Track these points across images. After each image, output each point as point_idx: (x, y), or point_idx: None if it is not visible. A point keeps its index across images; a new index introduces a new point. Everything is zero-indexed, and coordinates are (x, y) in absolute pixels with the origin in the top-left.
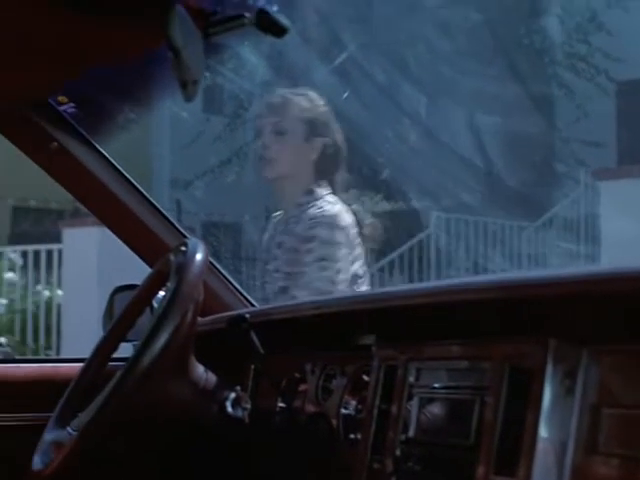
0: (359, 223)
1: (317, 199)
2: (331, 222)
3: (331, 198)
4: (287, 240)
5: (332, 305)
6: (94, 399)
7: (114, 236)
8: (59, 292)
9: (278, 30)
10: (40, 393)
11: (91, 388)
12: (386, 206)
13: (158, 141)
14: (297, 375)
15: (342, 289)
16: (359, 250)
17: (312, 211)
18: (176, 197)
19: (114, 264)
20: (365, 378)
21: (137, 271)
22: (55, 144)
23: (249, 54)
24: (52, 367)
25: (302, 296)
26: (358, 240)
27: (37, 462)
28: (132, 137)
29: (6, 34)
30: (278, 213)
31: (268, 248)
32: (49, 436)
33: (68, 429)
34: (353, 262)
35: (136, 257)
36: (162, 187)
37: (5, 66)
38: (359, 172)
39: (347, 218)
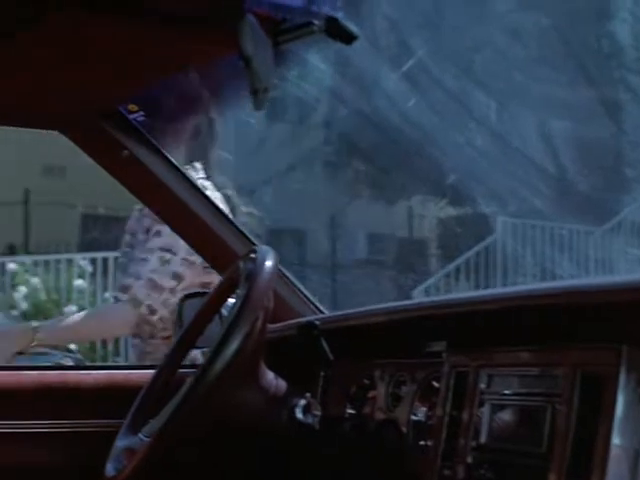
0: (234, 211)
1: None
2: None
3: (205, 183)
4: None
5: (402, 311)
6: (165, 406)
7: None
8: None
9: (347, 37)
10: (111, 400)
11: (162, 395)
12: (451, 211)
13: (222, 148)
14: (366, 382)
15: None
16: None
17: None
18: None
19: None
20: (435, 384)
21: None
22: (126, 152)
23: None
24: (123, 374)
25: (133, 284)
26: None
27: (110, 469)
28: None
29: (76, 44)
30: None
31: (133, 233)
32: (121, 442)
33: (140, 435)
34: None
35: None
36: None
37: (76, 75)
38: (425, 177)
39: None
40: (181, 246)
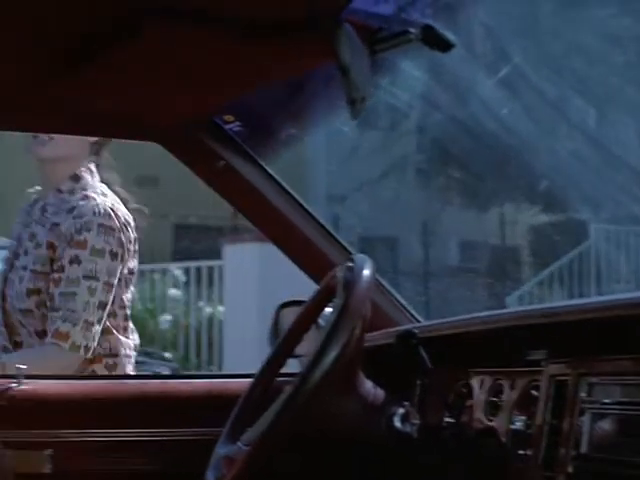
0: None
1: (85, 188)
2: (102, 223)
3: (104, 188)
4: (41, 233)
5: (501, 320)
6: (263, 414)
7: (273, 252)
8: (220, 308)
9: (444, 45)
10: (209, 408)
11: (260, 403)
12: (544, 218)
13: (314, 156)
14: (464, 390)
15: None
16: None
17: (78, 204)
18: (333, 212)
19: (274, 280)
20: (534, 393)
21: (296, 287)
22: (223, 162)
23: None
24: (220, 382)
25: (70, 331)
26: (133, 245)
27: (210, 476)
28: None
29: (172, 56)
30: (35, 196)
31: (19, 238)
32: (221, 451)
33: (239, 444)
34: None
35: (295, 273)
36: (319, 202)
37: (173, 87)
38: (518, 184)
39: (121, 215)
40: (101, 268)
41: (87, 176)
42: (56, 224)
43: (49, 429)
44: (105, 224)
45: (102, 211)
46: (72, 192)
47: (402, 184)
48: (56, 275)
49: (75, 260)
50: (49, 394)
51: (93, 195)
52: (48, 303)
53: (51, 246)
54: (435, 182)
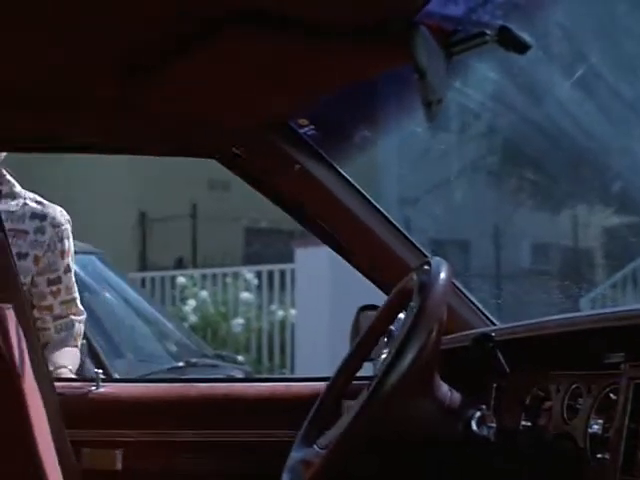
0: None
1: (22, 194)
2: (69, 228)
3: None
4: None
5: (579, 323)
6: (340, 417)
7: None
8: (292, 311)
9: (520, 46)
10: (284, 411)
11: (336, 406)
12: (617, 220)
13: (385, 159)
14: (541, 393)
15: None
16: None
17: (47, 211)
18: (404, 214)
19: (345, 283)
20: (612, 396)
21: (368, 290)
22: (297, 166)
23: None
24: (296, 386)
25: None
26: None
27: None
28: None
29: (249, 59)
30: None
31: None
32: (297, 454)
33: (315, 447)
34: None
35: None
36: (390, 205)
37: (247, 91)
38: (591, 186)
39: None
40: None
41: (14, 182)
42: (25, 232)
43: (121, 429)
44: (69, 229)
45: (67, 216)
46: (13, 196)
47: (474, 186)
48: (54, 288)
49: (68, 269)
50: (123, 396)
51: (42, 200)
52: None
53: (36, 259)
54: (507, 184)
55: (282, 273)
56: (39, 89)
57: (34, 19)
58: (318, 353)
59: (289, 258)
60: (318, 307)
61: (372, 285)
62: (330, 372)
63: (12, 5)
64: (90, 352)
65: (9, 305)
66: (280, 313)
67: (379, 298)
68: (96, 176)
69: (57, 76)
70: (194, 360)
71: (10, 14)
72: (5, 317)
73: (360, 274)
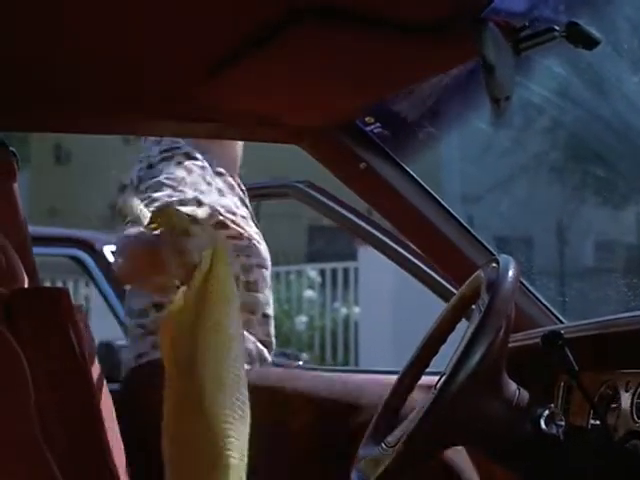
0: None
1: None
2: None
3: None
4: None
5: None
6: (408, 416)
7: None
8: (356, 309)
9: (589, 42)
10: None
11: (404, 404)
12: None
13: (448, 156)
14: (609, 392)
15: None
16: None
17: None
18: (467, 212)
19: (409, 281)
20: None
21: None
22: (363, 164)
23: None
24: (360, 378)
25: None
26: None
27: (355, 477)
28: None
29: (315, 56)
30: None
31: None
32: (364, 452)
33: (383, 445)
34: None
35: None
36: (453, 202)
37: (315, 89)
38: None
39: None
40: None
41: None
42: None
43: None
44: None
45: None
46: None
47: (537, 183)
48: None
49: None
50: None
51: None
52: None
53: None
54: (571, 180)
55: (345, 271)
56: (107, 86)
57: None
58: (381, 351)
59: (352, 256)
60: (381, 305)
61: None
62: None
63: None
64: None
65: (82, 304)
66: (343, 311)
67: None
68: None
69: (126, 72)
70: None
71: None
72: (79, 317)
73: None
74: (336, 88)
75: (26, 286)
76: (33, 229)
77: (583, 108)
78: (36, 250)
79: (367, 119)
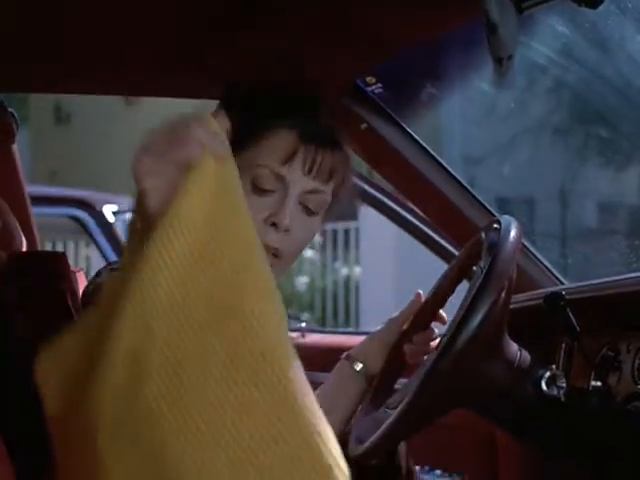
0: None
1: None
2: None
3: None
4: None
5: None
6: (409, 378)
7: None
8: (357, 270)
9: (593, 1)
10: None
11: (404, 367)
12: None
13: (450, 117)
14: (611, 353)
15: None
16: None
17: None
18: (469, 173)
19: (409, 242)
20: None
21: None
22: (365, 125)
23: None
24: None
25: None
26: None
27: (355, 439)
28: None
29: (316, 19)
30: None
31: None
32: (364, 414)
33: (384, 407)
34: None
35: None
36: (455, 163)
37: (315, 49)
38: None
39: None
40: None
41: None
42: None
43: None
44: None
45: None
46: None
47: (539, 144)
48: None
49: None
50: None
51: None
52: None
53: None
54: (572, 142)
55: (346, 231)
56: (108, 45)
57: None
58: (383, 311)
59: (353, 216)
60: (382, 265)
61: None
62: None
63: None
64: None
65: (80, 267)
66: (344, 271)
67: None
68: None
69: (126, 31)
70: None
71: None
72: (77, 280)
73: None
74: (336, 48)
75: (24, 248)
76: (33, 189)
77: (587, 68)
78: (36, 210)
79: (368, 79)
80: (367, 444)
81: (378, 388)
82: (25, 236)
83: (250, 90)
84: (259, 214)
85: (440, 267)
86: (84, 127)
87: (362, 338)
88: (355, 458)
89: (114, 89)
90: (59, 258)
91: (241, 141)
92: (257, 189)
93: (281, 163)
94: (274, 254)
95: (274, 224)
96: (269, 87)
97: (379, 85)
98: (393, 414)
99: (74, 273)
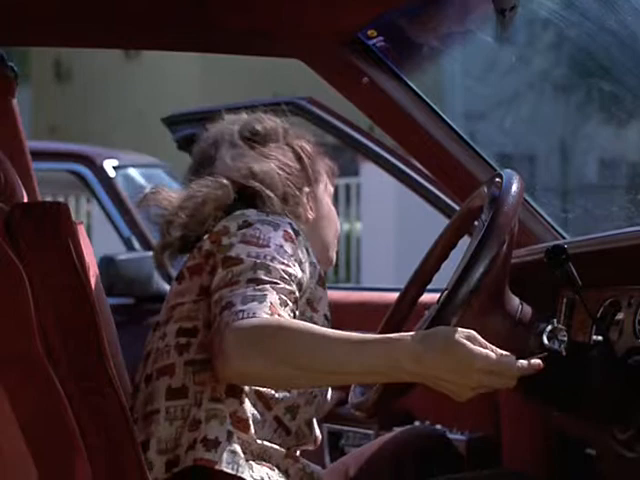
0: None
1: None
2: None
3: None
4: None
5: None
6: (409, 331)
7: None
8: (358, 225)
9: None
10: (354, 323)
11: (405, 319)
12: None
13: (451, 72)
14: (612, 308)
15: None
16: None
17: None
18: (470, 129)
19: (410, 197)
20: None
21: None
22: (366, 79)
23: None
24: (360, 295)
25: None
26: None
27: (356, 390)
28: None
29: None
30: None
31: None
32: None
33: None
34: None
35: None
36: (456, 118)
37: (315, 3)
38: None
39: None
40: None
41: None
42: None
43: None
44: None
45: None
46: None
47: (540, 101)
48: None
49: None
50: None
51: None
52: None
53: None
54: (574, 98)
55: (347, 187)
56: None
57: None
58: (384, 266)
59: (354, 172)
60: (384, 221)
61: None
62: (396, 285)
63: None
64: None
65: (81, 221)
66: (346, 227)
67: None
68: (167, 91)
69: None
70: None
71: None
72: (78, 231)
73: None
74: (337, 1)
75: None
76: (33, 144)
77: (590, 20)
78: (36, 166)
79: (370, 32)
80: (369, 396)
81: None
82: (26, 190)
83: None
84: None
85: (441, 223)
86: (84, 82)
87: (362, 294)
88: (357, 411)
89: (113, 42)
90: (61, 208)
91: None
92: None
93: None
94: None
95: None
96: None
97: (380, 38)
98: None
99: (76, 224)
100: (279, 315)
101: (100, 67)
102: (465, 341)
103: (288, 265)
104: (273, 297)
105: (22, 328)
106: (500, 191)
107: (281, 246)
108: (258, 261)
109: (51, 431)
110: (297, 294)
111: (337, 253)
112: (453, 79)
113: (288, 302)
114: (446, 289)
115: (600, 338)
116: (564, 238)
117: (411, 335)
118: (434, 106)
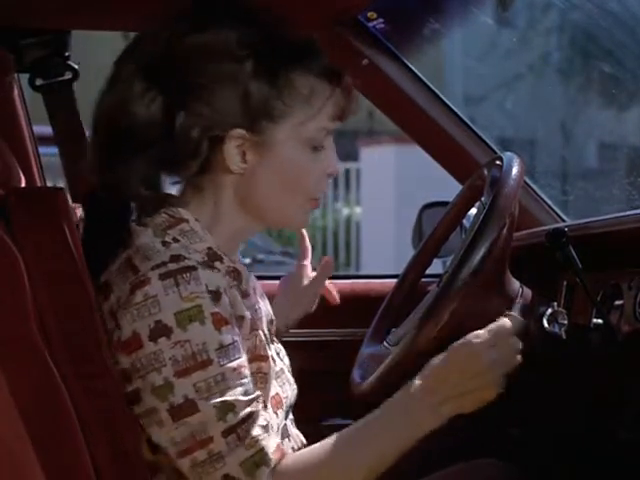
0: None
1: None
2: None
3: None
4: None
5: None
6: (410, 314)
7: (409, 154)
8: (358, 210)
9: None
10: (353, 309)
11: (405, 304)
12: None
13: (451, 55)
14: (612, 291)
15: None
16: None
17: None
18: (471, 112)
19: (410, 182)
20: None
21: (432, 188)
22: (366, 61)
23: None
24: (364, 283)
25: None
26: None
27: (356, 375)
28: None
29: None
30: None
31: None
32: (366, 350)
33: (385, 344)
34: None
35: (431, 175)
36: (455, 102)
37: None
38: None
39: None
40: None
41: None
42: None
43: None
44: None
45: None
46: None
47: (540, 84)
48: None
49: None
50: None
51: None
52: None
53: None
54: (574, 82)
55: (347, 172)
56: None
57: None
58: (383, 251)
59: (354, 157)
60: (383, 205)
61: (436, 183)
62: (395, 270)
63: None
64: None
65: (79, 205)
66: (345, 211)
67: (443, 196)
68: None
69: None
70: (261, 257)
71: None
72: (75, 216)
73: (423, 173)
74: None
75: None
76: (40, 128)
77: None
78: (43, 150)
79: (369, 14)
80: (369, 381)
81: (379, 324)
82: (26, 174)
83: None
84: (319, 169)
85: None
86: (85, 64)
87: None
88: (357, 396)
89: (113, 25)
90: (58, 194)
91: (285, 102)
92: (315, 148)
93: (331, 120)
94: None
95: (330, 174)
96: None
97: (380, 20)
98: (395, 350)
99: (73, 209)
100: (282, 453)
101: (100, 67)
102: (454, 348)
103: (239, 367)
104: (259, 435)
105: (18, 312)
106: (500, 173)
107: (221, 346)
108: (217, 401)
109: (50, 414)
110: (250, 382)
111: (337, 237)
112: (453, 61)
113: (259, 413)
114: (446, 272)
115: (600, 321)
116: (564, 221)
117: (416, 397)
118: (434, 88)
